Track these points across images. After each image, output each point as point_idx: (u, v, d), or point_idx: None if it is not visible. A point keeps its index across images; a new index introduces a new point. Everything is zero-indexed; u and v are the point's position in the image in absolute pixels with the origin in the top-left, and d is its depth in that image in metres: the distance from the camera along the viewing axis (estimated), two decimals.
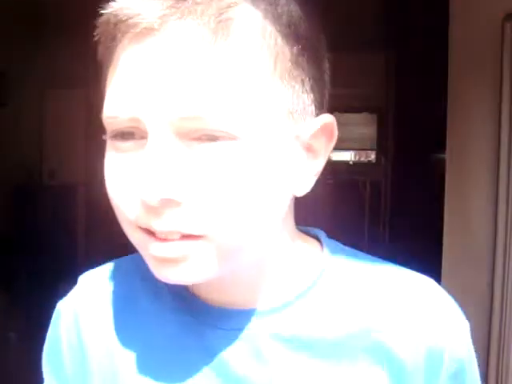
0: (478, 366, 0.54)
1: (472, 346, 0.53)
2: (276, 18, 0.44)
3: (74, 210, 5.11)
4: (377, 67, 5.75)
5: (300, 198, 0.49)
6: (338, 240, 0.56)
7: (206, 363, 0.50)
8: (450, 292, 0.85)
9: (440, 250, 1.55)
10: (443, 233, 1.03)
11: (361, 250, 0.56)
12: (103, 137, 0.46)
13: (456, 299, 0.52)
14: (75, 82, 5.16)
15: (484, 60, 0.87)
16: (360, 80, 6.40)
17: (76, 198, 5.12)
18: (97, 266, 0.61)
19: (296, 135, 0.46)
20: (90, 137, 5.06)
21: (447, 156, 0.99)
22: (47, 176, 5.09)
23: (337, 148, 0.52)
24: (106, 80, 0.45)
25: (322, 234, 0.56)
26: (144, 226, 0.43)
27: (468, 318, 0.51)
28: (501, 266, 0.86)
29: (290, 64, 0.44)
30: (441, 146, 1.34)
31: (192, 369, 0.50)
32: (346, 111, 9.68)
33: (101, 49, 0.46)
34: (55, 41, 4.89)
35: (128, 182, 0.43)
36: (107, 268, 0.60)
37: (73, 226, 5.07)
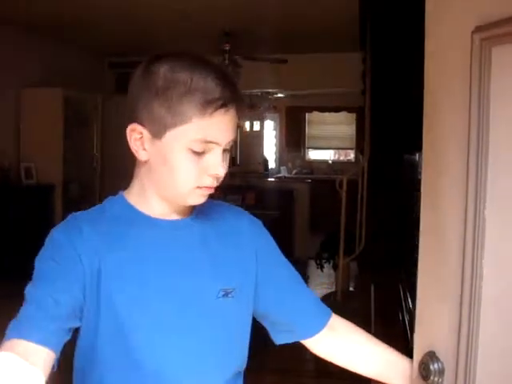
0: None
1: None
2: None
3: (51, 210, 5.06)
4: (354, 67, 5.80)
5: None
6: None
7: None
8: (423, 281, 0.88)
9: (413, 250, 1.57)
10: (419, 232, 1.06)
11: None
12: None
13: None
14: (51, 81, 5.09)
15: (456, 70, 0.91)
16: (338, 80, 6.45)
17: (53, 197, 5.07)
18: None
19: None
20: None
21: (423, 156, 1.03)
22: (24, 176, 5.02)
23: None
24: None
25: None
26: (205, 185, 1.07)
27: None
28: (469, 267, 0.90)
29: None
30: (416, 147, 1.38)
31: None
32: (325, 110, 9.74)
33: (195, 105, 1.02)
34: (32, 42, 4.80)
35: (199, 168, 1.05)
36: (85, 212, 1.11)
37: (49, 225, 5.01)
